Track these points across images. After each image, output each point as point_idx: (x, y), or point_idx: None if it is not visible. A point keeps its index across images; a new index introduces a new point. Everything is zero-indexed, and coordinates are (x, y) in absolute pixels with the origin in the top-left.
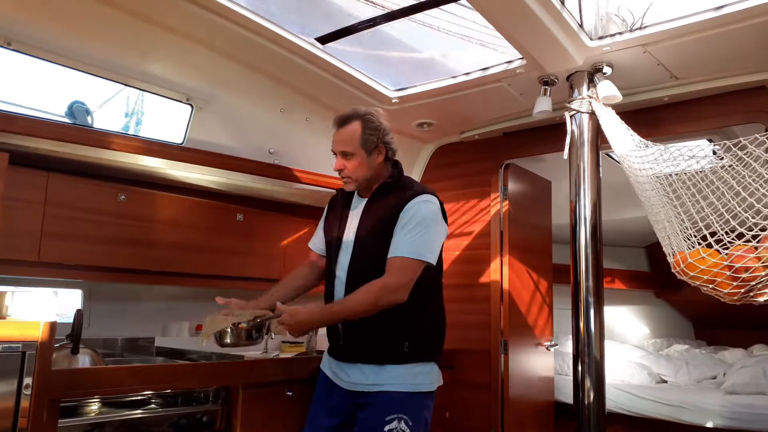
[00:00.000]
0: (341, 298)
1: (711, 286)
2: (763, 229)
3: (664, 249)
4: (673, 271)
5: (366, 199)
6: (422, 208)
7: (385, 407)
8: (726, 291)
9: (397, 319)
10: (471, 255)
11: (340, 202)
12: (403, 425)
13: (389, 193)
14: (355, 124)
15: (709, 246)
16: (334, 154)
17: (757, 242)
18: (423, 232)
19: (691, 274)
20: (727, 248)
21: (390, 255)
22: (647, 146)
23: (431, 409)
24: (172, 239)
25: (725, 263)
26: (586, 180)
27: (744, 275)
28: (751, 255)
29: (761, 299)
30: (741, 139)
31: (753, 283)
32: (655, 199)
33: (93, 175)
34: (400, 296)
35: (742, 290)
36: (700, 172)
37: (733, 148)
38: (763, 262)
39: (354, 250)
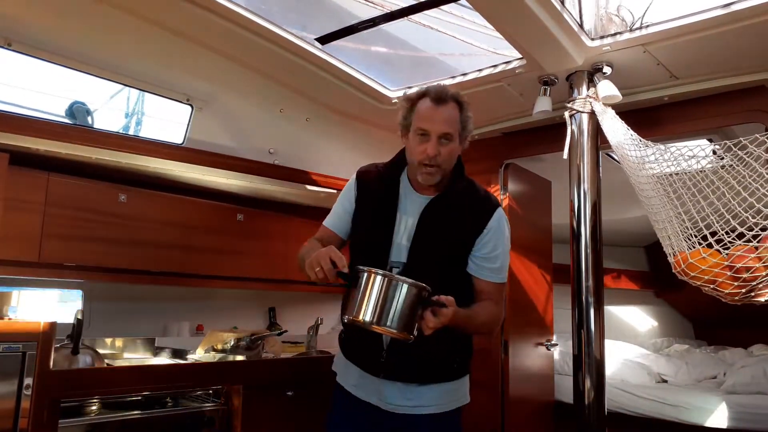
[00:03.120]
0: (473, 309)
1: (712, 286)
2: (763, 229)
3: (664, 249)
4: (674, 271)
5: (426, 196)
6: (505, 224)
7: (433, 430)
8: (727, 291)
9: (449, 334)
10: None
11: (379, 189)
12: None
13: (464, 196)
14: (453, 105)
15: (710, 246)
16: (422, 134)
17: (758, 242)
18: (507, 254)
19: (692, 274)
20: (727, 248)
21: (493, 279)
22: (647, 146)
23: None
24: (172, 239)
25: (726, 263)
26: (586, 180)
27: (745, 275)
28: (752, 255)
29: (762, 299)
30: (741, 139)
31: (754, 283)
32: (656, 200)
33: (93, 176)
34: (498, 328)
35: (743, 290)
36: (701, 171)
37: (734, 148)
38: (763, 262)
39: (411, 258)
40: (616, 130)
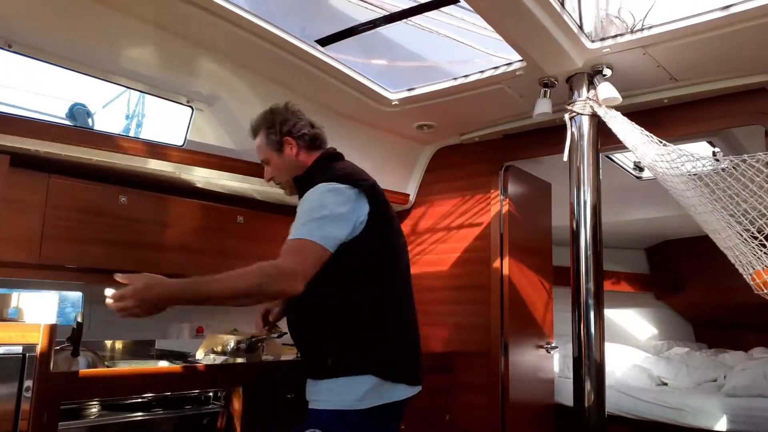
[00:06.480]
0: (215, 276)
1: None
2: None
3: (738, 268)
4: (755, 292)
5: None
6: (314, 190)
7: (308, 426)
8: None
9: (318, 329)
10: (471, 257)
11: None
12: None
13: (302, 189)
14: (262, 132)
15: None
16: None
17: None
18: (309, 212)
19: None
20: None
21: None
22: (666, 146)
23: (371, 429)
24: (172, 241)
25: None
26: (586, 182)
27: None
28: None
29: None
30: (751, 154)
31: None
32: (701, 207)
33: (94, 177)
34: (293, 285)
35: None
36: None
37: (748, 159)
38: None
39: None
40: (627, 131)
